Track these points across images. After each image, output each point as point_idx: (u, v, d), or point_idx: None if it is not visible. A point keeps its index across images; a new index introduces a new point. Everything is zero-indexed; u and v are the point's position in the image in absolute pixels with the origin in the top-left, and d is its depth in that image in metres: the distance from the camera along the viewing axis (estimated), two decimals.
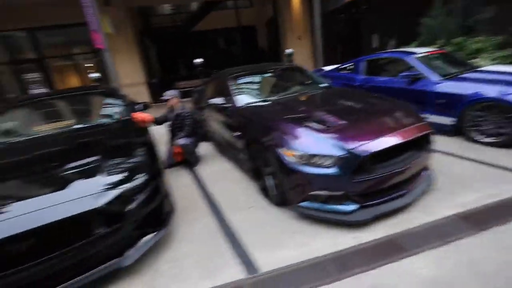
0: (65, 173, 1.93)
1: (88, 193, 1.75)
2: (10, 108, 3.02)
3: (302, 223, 2.34)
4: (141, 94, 9.11)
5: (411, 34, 7.84)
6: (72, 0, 8.05)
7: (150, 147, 2.39)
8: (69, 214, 1.65)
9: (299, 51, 9.77)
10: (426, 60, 4.03)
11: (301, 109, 2.71)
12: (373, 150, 2.01)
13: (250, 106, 3.05)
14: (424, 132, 2.32)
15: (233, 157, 3.55)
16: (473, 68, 3.93)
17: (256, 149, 2.68)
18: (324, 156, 2.05)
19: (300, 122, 2.37)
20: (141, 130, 2.75)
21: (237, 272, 1.91)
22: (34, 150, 2.34)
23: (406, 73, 3.83)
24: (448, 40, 5.45)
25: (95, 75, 6.29)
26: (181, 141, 3.49)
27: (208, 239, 2.29)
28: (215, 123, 3.88)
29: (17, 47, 9.39)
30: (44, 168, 2.03)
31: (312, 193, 2.13)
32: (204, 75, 6.75)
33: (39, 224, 1.59)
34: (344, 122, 2.31)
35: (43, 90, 9.27)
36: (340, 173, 2.01)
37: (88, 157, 2.06)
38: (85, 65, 10.99)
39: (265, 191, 2.75)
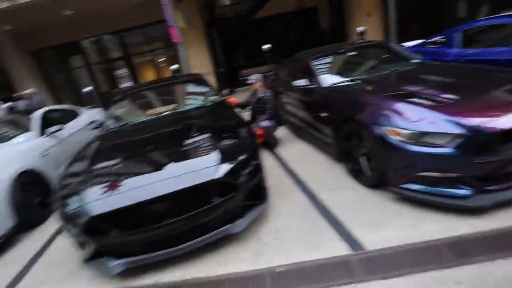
0: (184, 148, 2.22)
1: (208, 165, 1.98)
2: (124, 97, 3.58)
3: (401, 205, 2.24)
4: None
5: None
6: (149, 2, 8.91)
7: (248, 127, 2.56)
8: (196, 183, 1.89)
9: (368, 29, 9.01)
10: None
11: (399, 86, 2.53)
12: (502, 128, 1.77)
13: (338, 86, 2.98)
14: None
15: (313, 139, 3.55)
16: None
17: (348, 129, 2.62)
18: (438, 134, 1.89)
19: (403, 98, 2.22)
20: (235, 112, 2.96)
21: (339, 248, 1.95)
22: (151, 130, 2.73)
23: None
24: None
25: (175, 66, 6.93)
26: (264, 123, 3.63)
27: (303, 215, 2.38)
28: (293, 106, 3.91)
29: (108, 48, 10.87)
30: (166, 144, 2.36)
31: (420, 174, 2.00)
32: (271, 61, 6.79)
33: (171, 190, 1.87)
34: (456, 97, 2.09)
35: (130, 84, 10.61)
36: (458, 153, 1.84)
37: (201, 135, 2.32)
38: (159, 60, 12.08)
39: (354, 172, 2.70)
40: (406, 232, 1.96)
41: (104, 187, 1.96)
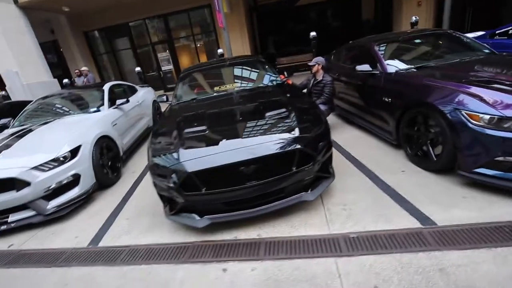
0: (266, 119, 2.40)
1: (291, 135, 2.15)
2: (192, 74, 3.85)
3: (469, 189, 2.28)
4: None
5: None
6: None
7: (315, 105, 2.69)
8: (280, 150, 2.07)
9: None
10: None
11: (475, 73, 2.51)
12: None
13: (405, 71, 2.99)
14: None
15: (369, 125, 3.60)
16: None
17: (414, 115, 2.67)
18: None
19: (483, 84, 2.23)
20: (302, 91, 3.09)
21: (410, 221, 2.06)
22: (227, 104, 2.92)
23: None
24: None
25: (220, 50, 7.15)
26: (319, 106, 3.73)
27: (367, 192, 2.50)
28: (347, 92, 3.97)
29: (152, 32, 11.29)
30: (248, 115, 2.54)
31: (498, 159, 2.03)
32: (316, 49, 6.78)
33: (258, 155, 2.04)
34: None
35: (170, 67, 11.05)
36: None
37: (278, 108, 2.49)
38: (198, 44, 12.27)
39: (417, 157, 2.75)
40: (477, 213, 2.02)
41: (202, 148, 2.20)
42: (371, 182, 2.65)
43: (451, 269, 1.62)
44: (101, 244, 2.50)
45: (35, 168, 2.88)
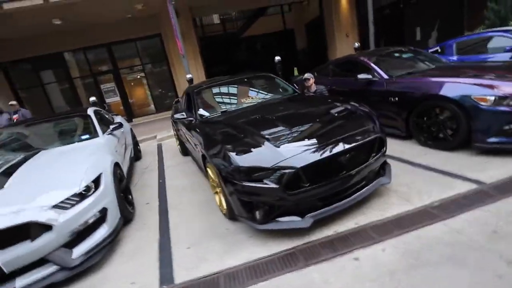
0: (334, 117, 2.55)
1: (368, 125, 2.39)
2: (205, 89, 3.74)
3: (484, 156, 2.91)
4: None
5: (454, 26, 8.58)
6: (142, 16, 8.92)
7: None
8: (366, 139, 2.26)
9: (346, 48, 10.50)
10: None
11: (464, 71, 3.32)
12: None
13: (405, 75, 3.69)
14: None
15: None
16: None
17: (425, 107, 3.29)
18: None
19: (478, 76, 2.99)
20: None
21: (468, 185, 2.49)
22: (278, 110, 2.95)
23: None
24: None
25: (189, 76, 7.03)
26: None
27: (414, 173, 2.89)
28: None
29: (97, 61, 10.19)
30: (314, 115, 2.66)
31: (504, 127, 2.73)
32: (282, 71, 7.44)
33: (350, 146, 2.18)
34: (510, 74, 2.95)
35: (117, 98, 10.09)
36: None
37: (337, 108, 2.69)
38: (138, 76, 11.52)
39: (431, 141, 3.34)
40: (504, 170, 2.60)
41: (299, 144, 2.17)
42: (409, 166, 3.07)
43: None
44: (178, 280, 2.09)
45: (56, 206, 2.26)
